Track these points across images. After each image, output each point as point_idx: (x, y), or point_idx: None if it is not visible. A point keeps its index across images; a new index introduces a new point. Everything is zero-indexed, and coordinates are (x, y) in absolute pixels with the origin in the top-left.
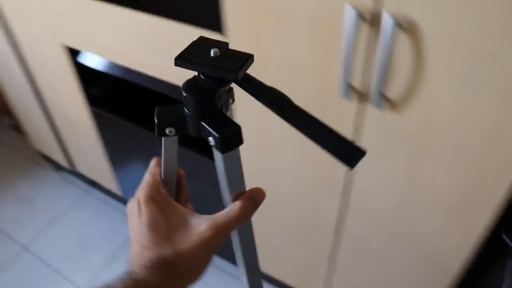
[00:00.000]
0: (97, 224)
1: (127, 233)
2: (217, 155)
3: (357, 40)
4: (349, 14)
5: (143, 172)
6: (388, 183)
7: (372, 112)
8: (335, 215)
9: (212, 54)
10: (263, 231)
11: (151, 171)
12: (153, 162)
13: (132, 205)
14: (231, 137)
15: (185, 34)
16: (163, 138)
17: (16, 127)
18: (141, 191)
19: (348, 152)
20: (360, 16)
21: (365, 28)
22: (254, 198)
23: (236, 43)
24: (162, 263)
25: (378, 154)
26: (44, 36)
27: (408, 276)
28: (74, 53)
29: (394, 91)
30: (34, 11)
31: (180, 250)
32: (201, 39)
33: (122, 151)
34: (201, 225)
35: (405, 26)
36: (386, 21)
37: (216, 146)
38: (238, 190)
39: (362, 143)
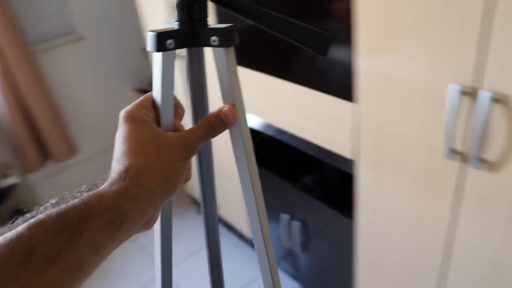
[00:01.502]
0: (229, 261)
1: (253, 274)
2: (220, 57)
3: (458, 111)
4: (452, 90)
5: (272, 219)
6: (487, 242)
7: (471, 172)
8: (435, 276)
9: None
10: (370, 279)
11: (146, 95)
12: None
13: (117, 132)
14: (233, 31)
15: (323, 101)
16: (161, 55)
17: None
18: (124, 110)
19: (318, 42)
20: (462, 91)
21: (465, 101)
22: (222, 118)
23: (364, 111)
24: (128, 172)
25: (479, 212)
26: None
27: None
28: None
29: (491, 154)
30: None
31: (151, 159)
32: None
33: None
34: (172, 137)
35: (500, 99)
36: (483, 95)
37: (221, 43)
38: (231, 101)
39: (463, 202)
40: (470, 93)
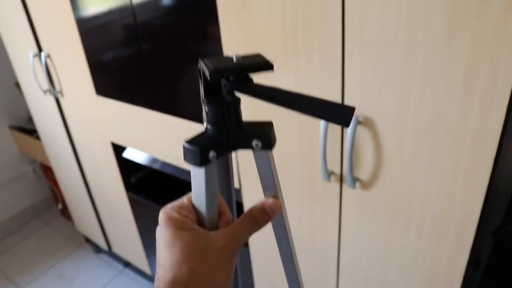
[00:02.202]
0: None
1: None
2: (261, 158)
3: (329, 134)
4: None
5: None
6: (371, 253)
7: (348, 191)
8: (333, 285)
9: (235, 60)
10: None
11: (187, 196)
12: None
13: (157, 229)
14: (273, 132)
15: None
16: (203, 171)
17: (64, 213)
18: (164, 212)
19: (340, 114)
20: None
21: (335, 125)
22: (267, 211)
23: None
24: (177, 283)
25: (358, 225)
26: (95, 136)
27: None
28: (118, 148)
29: (362, 172)
30: (88, 116)
31: (196, 265)
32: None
33: (155, 234)
34: (215, 236)
35: (363, 121)
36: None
37: (264, 145)
38: (273, 188)
39: (345, 217)
40: None
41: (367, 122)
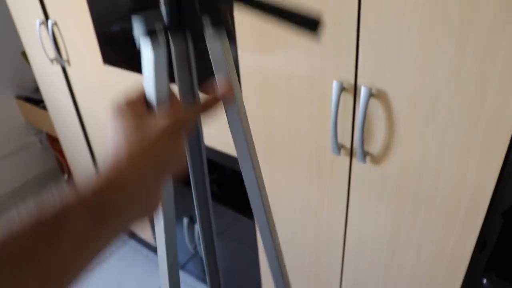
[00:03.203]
0: (133, 272)
1: (158, 282)
2: (213, 42)
3: (341, 106)
4: (335, 86)
5: (178, 224)
6: (378, 229)
7: (358, 165)
8: (339, 261)
9: None
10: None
11: (138, 88)
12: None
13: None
14: (225, 12)
15: None
16: (152, 51)
17: (70, 183)
18: (113, 104)
19: (308, 23)
20: (343, 88)
21: (348, 97)
22: (217, 96)
23: (249, 109)
24: (113, 158)
25: (367, 201)
26: (102, 105)
27: None
28: None
29: (373, 146)
30: (95, 86)
31: (136, 141)
32: None
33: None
34: (160, 116)
35: (376, 94)
36: (362, 91)
37: (214, 22)
38: (225, 72)
39: (353, 193)
40: (350, 89)
41: (380, 95)
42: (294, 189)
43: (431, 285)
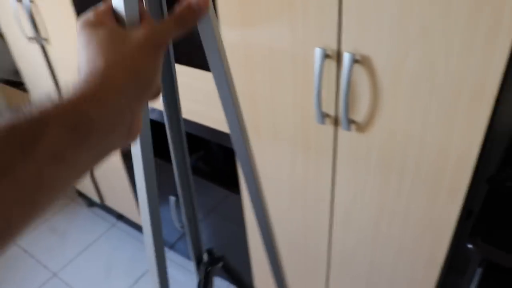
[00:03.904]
0: (122, 254)
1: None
2: None
3: (325, 74)
4: (318, 53)
5: (163, 204)
6: (364, 200)
7: (343, 134)
8: (326, 234)
9: None
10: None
11: (107, 1)
12: None
13: (77, 41)
14: None
15: (195, 76)
16: None
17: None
18: (80, 20)
19: None
20: (326, 55)
21: (331, 65)
22: (193, 7)
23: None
24: (91, 76)
25: (352, 171)
26: None
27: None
28: None
29: (358, 115)
30: (76, 65)
31: (113, 57)
32: None
33: None
34: (136, 30)
35: (360, 59)
36: (345, 57)
37: None
38: None
39: (339, 163)
40: (334, 56)
41: (364, 61)
42: (280, 163)
43: (417, 253)
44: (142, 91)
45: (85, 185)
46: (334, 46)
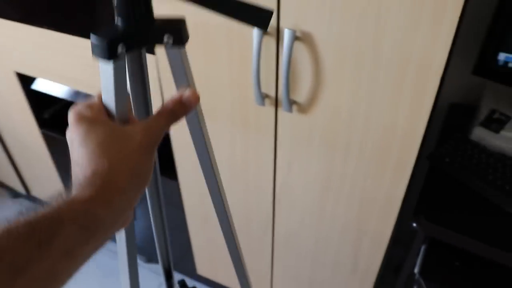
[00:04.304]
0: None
1: (110, 264)
2: (174, 55)
3: (263, 52)
4: (255, 30)
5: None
6: (308, 181)
7: (285, 115)
8: (269, 216)
9: None
10: (203, 235)
11: (98, 95)
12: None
13: (67, 131)
14: (185, 27)
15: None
16: (112, 66)
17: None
18: (73, 111)
19: (258, 17)
20: (265, 32)
21: (270, 42)
22: (184, 103)
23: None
24: (96, 175)
25: (295, 153)
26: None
27: (338, 268)
28: (26, 79)
29: (300, 95)
30: None
31: (115, 158)
32: None
33: None
34: (133, 129)
35: (301, 36)
36: (285, 33)
37: (176, 41)
38: (187, 84)
39: (280, 145)
40: (273, 33)
41: (305, 38)
42: (218, 146)
43: (363, 231)
44: (141, 188)
45: (6, 174)
46: (273, 21)
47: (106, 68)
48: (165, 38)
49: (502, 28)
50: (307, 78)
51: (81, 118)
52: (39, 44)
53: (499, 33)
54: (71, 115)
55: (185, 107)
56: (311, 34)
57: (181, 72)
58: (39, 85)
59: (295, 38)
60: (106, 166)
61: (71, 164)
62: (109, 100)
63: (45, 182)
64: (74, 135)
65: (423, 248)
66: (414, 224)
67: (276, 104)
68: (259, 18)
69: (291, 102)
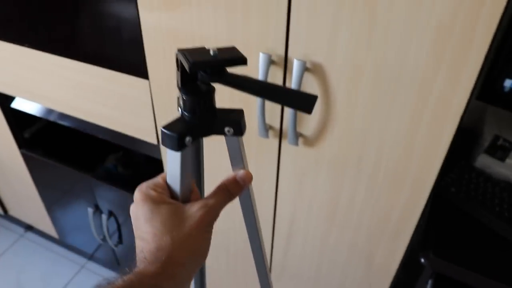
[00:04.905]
0: (34, 268)
1: (66, 276)
2: (232, 142)
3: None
4: (262, 59)
5: (79, 213)
6: (312, 211)
7: (289, 148)
8: (268, 246)
9: (212, 53)
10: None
11: (162, 175)
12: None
13: (132, 207)
14: (243, 119)
15: (116, 81)
16: (179, 155)
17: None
18: (139, 190)
19: (304, 101)
20: (272, 61)
21: (278, 72)
22: (239, 182)
23: (156, 86)
24: (161, 251)
25: (298, 186)
26: None
27: None
28: (4, 98)
29: (307, 128)
30: None
31: (177, 235)
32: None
33: (57, 194)
34: (193, 208)
35: (310, 67)
36: (295, 64)
37: (236, 132)
38: (242, 166)
39: (283, 177)
40: (280, 63)
41: (315, 69)
42: (216, 176)
43: (368, 266)
44: (199, 262)
45: None
46: (281, 51)
47: (174, 157)
48: (226, 129)
49: (510, 54)
50: (315, 110)
51: (147, 198)
52: (19, 63)
53: (506, 59)
54: (137, 194)
55: (239, 186)
56: (321, 65)
57: (238, 156)
58: (19, 104)
59: (304, 69)
60: (169, 243)
61: (135, 238)
62: (174, 183)
63: (24, 202)
64: (140, 213)
65: (430, 282)
66: (422, 260)
67: (281, 136)
68: (306, 103)
69: (298, 135)
